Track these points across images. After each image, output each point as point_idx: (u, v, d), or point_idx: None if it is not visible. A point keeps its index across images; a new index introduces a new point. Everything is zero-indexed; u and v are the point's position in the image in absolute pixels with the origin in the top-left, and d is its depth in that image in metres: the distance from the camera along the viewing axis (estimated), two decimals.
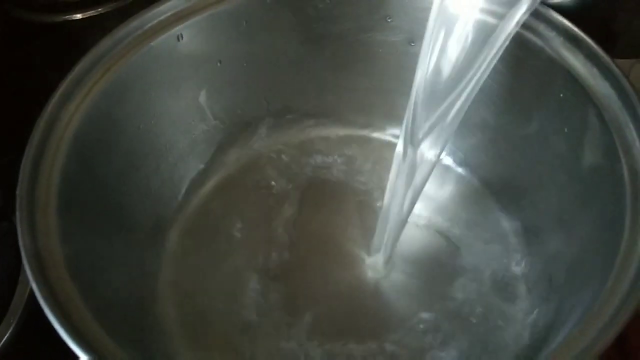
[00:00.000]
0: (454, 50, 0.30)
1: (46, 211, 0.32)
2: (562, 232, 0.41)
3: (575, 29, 0.38)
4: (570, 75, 0.38)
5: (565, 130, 0.40)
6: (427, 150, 0.33)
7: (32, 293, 0.38)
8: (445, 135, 0.32)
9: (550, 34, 0.39)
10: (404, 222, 0.37)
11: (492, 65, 0.30)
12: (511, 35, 0.30)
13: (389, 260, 0.41)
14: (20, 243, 0.30)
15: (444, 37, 0.30)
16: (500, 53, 0.30)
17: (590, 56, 0.37)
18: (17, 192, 0.31)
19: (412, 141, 0.33)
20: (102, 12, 0.57)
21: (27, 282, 0.39)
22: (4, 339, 0.37)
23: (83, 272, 0.32)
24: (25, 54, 0.56)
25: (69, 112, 0.36)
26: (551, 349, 0.29)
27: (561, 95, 0.39)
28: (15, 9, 0.56)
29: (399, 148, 0.34)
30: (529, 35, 0.40)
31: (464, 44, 0.30)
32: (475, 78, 0.30)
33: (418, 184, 0.34)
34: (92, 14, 0.56)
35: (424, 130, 0.32)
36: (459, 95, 0.31)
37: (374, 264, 0.42)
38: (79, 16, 0.57)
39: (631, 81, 0.35)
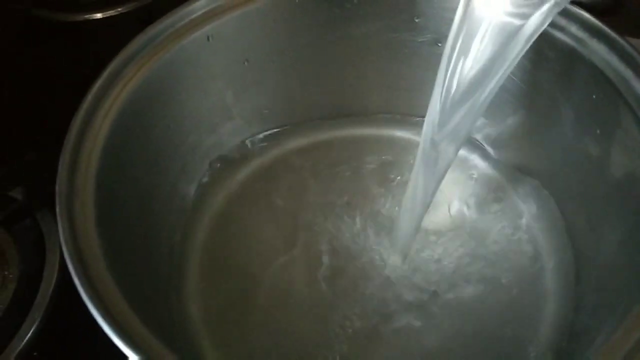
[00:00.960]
0: (478, 50, 0.31)
1: (83, 207, 0.32)
2: (592, 234, 0.41)
3: (609, 30, 0.38)
4: (604, 75, 0.38)
5: (598, 131, 0.40)
6: (449, 144, 0.34)
7: (55, 289, 0.39)
8: (466, 131, 0.33)
9: (583, 35, 0.39)
10: (425, 209, 0.38)
11: (514, 64, 0.31)
12: (534, 37, 0.30)
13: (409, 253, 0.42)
14: (61, 238, 0.30)
15: (468, 38, 0.31)
16: (522, 54, 0.30)
17: (623, 57, 0.37)
18: (57, 188, 0.31)
19: (436, 137, 0.34)
20: (122, 11, 0.57)
21: (51, 278, 0.40)
22: (29, 334, 0.37)
23: (119, 266, 0.32)
24: (45, 53, 0.57)
25: (105, 108, 0.36)
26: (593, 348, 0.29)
27: (594, 96, 0.39)
28: (36, 8, 0.56)
29: (423, 143, 0.35)
30: (560, 35, 0.40)
31: (488, 44, 0.30)
32: (497, 77, 0.31)
33: (440, 175, 0.36)
34: (112, 14, 0.57)
35: (448, 126, 0.33)
36: (482, 93, 0.32)
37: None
38: (99, 15, 0.57)
39: None
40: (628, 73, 0.37)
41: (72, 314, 0.33)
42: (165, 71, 0.40)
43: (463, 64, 0.31)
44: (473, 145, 0.49)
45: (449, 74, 0.32)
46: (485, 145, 0.49)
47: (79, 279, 0.29)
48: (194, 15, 0.40)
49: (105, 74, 0.36)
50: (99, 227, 0.32)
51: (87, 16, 0.57)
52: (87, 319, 0.29)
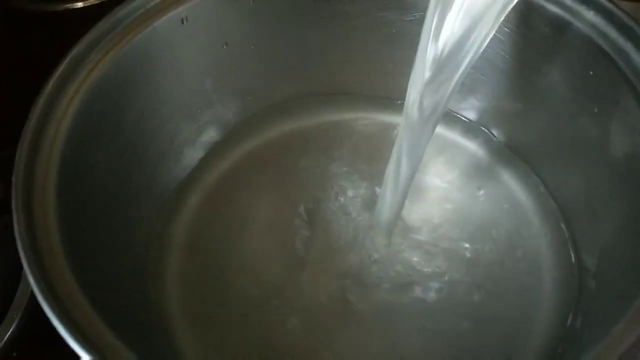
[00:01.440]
0: (454, 23, 0.31)
1: (44, 199, 0.30)
2: (591, 218, 0.39)
3: (607, 0, 0.36)
4: (601, 49, 0.36)
5: (595, 110, 0.38)
6: (427, 121, 0.34)
7: None
8: (444, 104, 0.33)
9: (580, 7, 0.36)
10: (406, 188, 0.38)
11: (490, 37, 0.30)
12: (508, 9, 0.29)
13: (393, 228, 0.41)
14: (16, 232, 0.28)
15: (444, 11, 0.30)
16: (496, 26, 0.30)
17: (623, 29, 0.35)
18: (13, 179, 0.30)
19: (415, 112, 0.34)
20: (104, 0, 0.55)
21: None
22: (8, 334, 0.35)
23: (83, 262, 0.30)
24: (25, 44, 0.55)
25: (68, 96, 0.34)
26: (592, 346, 0.27)
27: (591, 72, 0.37)
28: None
29: (403, 119, 0.35)
30: (555, 9, 0.37)
31: (464, 17, 0.30)
32: (472, 52, 0.31)
33: (419, 152, 0.36)
34: (93, 3, 0.55)
35: (429, 100, 0.33)
36: (458, 69, 0.32)
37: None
38: (80, 5, 0.55)
39: None
40: (628, 46, 0.35)
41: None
42: (136, 55, 0.38)
43: (441, 36, 0.31)
44: (463, 125, 0.47)
45: (428, 49, 0.32)
46: (477, 126, 0.47)
47: (32, 273, 0.27)
48: None
49: (68, 59, 0.34)
50: (60, 221, 0.30)
51: (67, 6, 0.55)
52: None
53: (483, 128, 0.47)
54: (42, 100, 0.33)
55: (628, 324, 0.26)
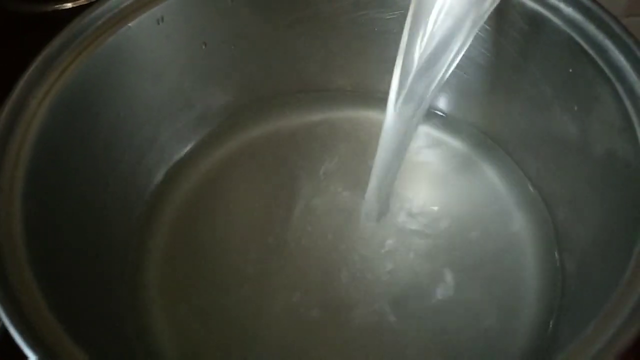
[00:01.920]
0: (436, 22, 0.31)
1: (9, 202, 0.30)
2: (574, 215, 0.38)
3: None
4: (580, 47, 0.35)
5: (576, 108, 0.37)
6: (413, 114, 0.35)
7: None
8: (427, 102, 0.34)
9: (559, 4, 0.36)
10: (394, 179, 0.39)
11: (471, 37, 0.31)
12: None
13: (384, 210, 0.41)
14: None
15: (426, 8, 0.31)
16: (477, 27, 0.31)
17: (601, 26, 0.34)
18: None
19: (399, 103, 0.34)
20: (93, 0, 0.55)
21: None
22: None
23: (50, 269, 0.30)
24: (14, 45, 0.55)
25: (37, 98, 0.33)
26: (566, 346, 0.26)
27: (570, 70, 0.36)
28: (3, 0, 0.55)
29: (389, 109, 0.35)
30: (535, 6, 0.37)
31: (447, 17, 0.31)
32: (455, 49, 0.32)
33: (406, 143, 0.37)
34: (82, 3, 0.55)
35: (416, 92, 0.33)
36: (446, 63, 0.32)
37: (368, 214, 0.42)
38: (69, 5, 0.55)
39: None
40: (606, 42, 0.34)
41: None
42: (111, 55, 0.37)
43: (422, 35, 0.32)
44: (446, 120, 0.46)
45: (409, 45, 0.32)
46: (460, 121, 0.46)
47: None
48: None
49: (39, 59, 0.34)
50: (26, 226, 0.30)
51: (56, 6, 0.55)
52: None
53: (466, 123, 0.46)
54: (10, 102, 0.32)
55: (596, 327, 0.25)
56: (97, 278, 0.35)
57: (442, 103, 0.47)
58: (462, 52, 0.31)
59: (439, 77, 0.32)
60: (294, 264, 0.40)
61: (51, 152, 0.34)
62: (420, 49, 0.32)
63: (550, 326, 0.37)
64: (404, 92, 0.33)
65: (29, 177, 0.31)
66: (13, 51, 0.54)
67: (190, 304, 0.39)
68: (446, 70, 0.32)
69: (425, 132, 0.46)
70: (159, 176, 0.44)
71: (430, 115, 0.46)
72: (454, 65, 0.32)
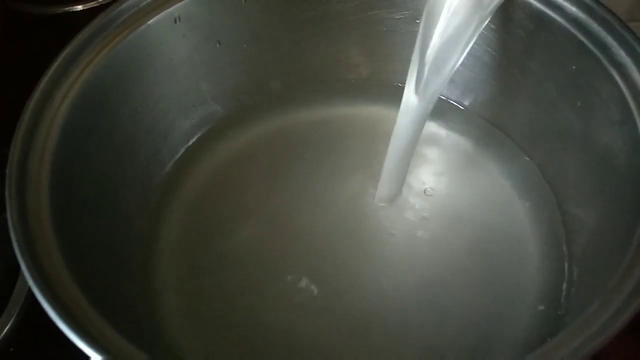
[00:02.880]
0: (447, 19, 0.34)
1: (37, 193, 0.31)
2: (579, 207, 0.39)
3: None
4: (583, 45, 0.36)
5: (579, 104, 0.38)
6: (430, 97, 0.37)
7: None
8: (439, 91, 0.37)
9: (563, 3, 0.37)
10: (410, 156, 0.41)
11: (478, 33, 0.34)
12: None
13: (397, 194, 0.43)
14: (10, 225, 0.29)
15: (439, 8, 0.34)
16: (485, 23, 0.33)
17: (604, 23, 0.36)
18: (7, 171, 0.30)
19: (418, 90, 0.37)
20: (103, 2, 0.56)
21: None
22: (5, 330, 0.36)
23: (76, 255, 0.31)
24: (25, 46, 0.56)
25: (61, 92, 0.35)
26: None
27: (574, 67, 0.38)
28: (15, 1, 0.56)
29: (406, 96, 0.37)
30: (539, 5, 0.38)
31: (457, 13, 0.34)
32: (466, 40, 0.35)
33: (423, 121, 0.39)
34: (92, 5, 0.56)
35: (432, 82, 0.36)
36: (458, 55, 0.35)
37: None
38: (79, 7, 0.56)
39: None
40: (608, 40, 0.35)
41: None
42: (130, 53, 0.39)
43: (434, 32, 0.34)
44: (458, 112, 0.48)
45: (424, 41, 0.35)
46: (469, 115, 0.47)
47: (28, 268, 0.28)
48: None
49: (62, 56, 0.35)
50: (54, 214, 0.31)
51: (67, 8, 0.56)
52: None
53: (475, 115, 0.47)
54: (36, 96, 0.34)
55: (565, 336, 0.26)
56: (113, 260, 0.37)
57: (453, 95, 0.48)
58: (472, 43, 0.34)
59: (450, 66, 0.35)
60: (303, 246, 0.41)
61: (74, 144, 0.35)
62: (434, 41, 0.34)
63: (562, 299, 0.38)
64: (423, 78, 0.36)
65: (54, 167, 0.33)
66: (25, 51, 0.55)
67: (199, 290, 0.40)
68: (457, 60, 0.35)
69: (436, 124, 0.47)
70: (173, 169, 0.45)
71: (440, 107, 0.47)
72: (465, 54, 0.34)
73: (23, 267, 0.28)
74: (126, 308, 0.37)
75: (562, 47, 0.38)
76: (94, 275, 0.32)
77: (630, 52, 0.34)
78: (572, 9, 0.37)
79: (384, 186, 0.42)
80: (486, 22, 0.34)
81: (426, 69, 0.35)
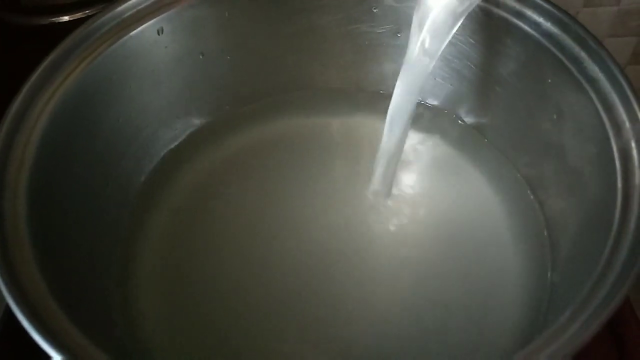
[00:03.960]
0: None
1: (15, 197, 0.31)
2: (559, 213, 0.40)
3: (563, 12, 0.37)
4: (558, 60, 0.37)
5: (555, 117, 0.39)
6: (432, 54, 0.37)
7: None
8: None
9: (538, 19, 0.38)
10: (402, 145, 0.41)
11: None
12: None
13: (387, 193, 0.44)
14: None
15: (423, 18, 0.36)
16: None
17: (578, 39, 0.36)
18: None
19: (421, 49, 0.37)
20: (90, 14, 0.56)
21: None
22: None
23: (54, 267, 0.31)
24: (11, 57, 0.56)
25: (42, 102, 0.35)
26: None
27: (549, 81, 0.38)
28: (2, 12, 0.56)
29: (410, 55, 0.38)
30: (516, 21, 0.39)
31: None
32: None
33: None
34: (79, 16, 0.56)
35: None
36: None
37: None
38: (66, 18, 0.56)
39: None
40: (582, 55, 0.36)
41: None
42: (112, 63, 0.39)
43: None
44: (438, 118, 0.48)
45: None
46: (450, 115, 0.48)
47: (2, 274, 0.28)
48: (141, 6, 0.40)
49: (43, 65, 0.36)
50: (30, 223, 0.31)
51: (53, 19, 0.56)
52: None
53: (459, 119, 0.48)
54: (14, 106, 0.34)
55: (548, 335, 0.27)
56: (91, 268, 0.37)
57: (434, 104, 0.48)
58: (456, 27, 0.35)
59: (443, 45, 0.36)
60: (287, 252, 0.42)
61: (54, 153, 0.35)
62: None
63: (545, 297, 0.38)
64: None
65: (32, 175, 0.33)
66: (11, 61, 0.55)
67: (180, 300, 0.40)
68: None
69: (415, 130, 0.47)
70: (155, 179, 0.45)
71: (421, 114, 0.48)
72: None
73: None
74: (101, 314, 0.37)
75: (538, 61, 0.39)
76: (69, 280, 0.32)
77: (603, 67, 0.35)
78: (547, 24, 0.38)
79: (379, 172, 0.42)
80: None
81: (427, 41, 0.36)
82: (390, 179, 0.43)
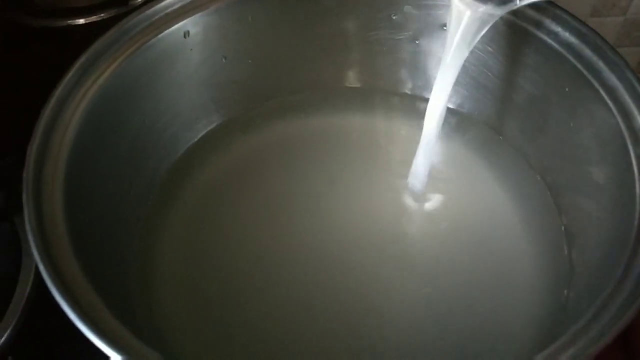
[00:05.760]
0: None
1: (52, 200, 0.32)
2: (576, 220, 0.41)
3: (581, 23, 0.38)
4: (577, 69, 0.38)
5: (571, 124, 0.40)
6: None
7: (31, 293, 0.38)
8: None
9: (556, 29, 0.39)
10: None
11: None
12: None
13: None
14: (27, 224, 0.30)
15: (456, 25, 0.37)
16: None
17: (596, 49, 0.38)
18: (24, 175, 0.31)
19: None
20: (105, 17, 0.57)
21: (27, 282, 0.39)
22: (3, 339, 0.36)
23: (88, 259, 0.32)
24: (27, 59, 0.56)
25: (76, 100, 0.36)
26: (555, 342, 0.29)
27: (566, 89, 0.40)
28: (18, 14, 0.56)
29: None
30: (534, 30, 0.40)
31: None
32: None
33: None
34: (94, 19, 0.56)
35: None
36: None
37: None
38: (81, 21, 0.56)
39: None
40: (600, 65, 0.37)
41: (48, 318, 0.33)
42: (141, 65, 0.40)
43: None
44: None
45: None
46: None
47: (47, 272, 0.28)
48: (170, 9, 0.40)
49: (77, 66, 0.36)
50: (67, 216, 0.32)
51: (69, 22, 0.57)
52: (62, 323, 0.28)
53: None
54: (51, 103, 0.35)
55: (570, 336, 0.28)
56: (114, 255, 0.38)
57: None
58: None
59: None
60: (303, 252, 0.42)
61: (85, 152, 0.36)
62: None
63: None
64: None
65: (67, 173, 0.34)
66: (27, 63, 0.55)
67: (201, 298, 0.41)
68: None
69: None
70: (176, 179, 0.45)
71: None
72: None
73: (42, 271, 0.28)
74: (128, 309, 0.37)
75: (555, 70, 0.40)
76: (102, 277, 0.33)
77: (621, 76, 0.36)
78: (566, 34, 0.39)
79: (420, 155, 0.43)
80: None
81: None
82: (426, 171, 0.44)
